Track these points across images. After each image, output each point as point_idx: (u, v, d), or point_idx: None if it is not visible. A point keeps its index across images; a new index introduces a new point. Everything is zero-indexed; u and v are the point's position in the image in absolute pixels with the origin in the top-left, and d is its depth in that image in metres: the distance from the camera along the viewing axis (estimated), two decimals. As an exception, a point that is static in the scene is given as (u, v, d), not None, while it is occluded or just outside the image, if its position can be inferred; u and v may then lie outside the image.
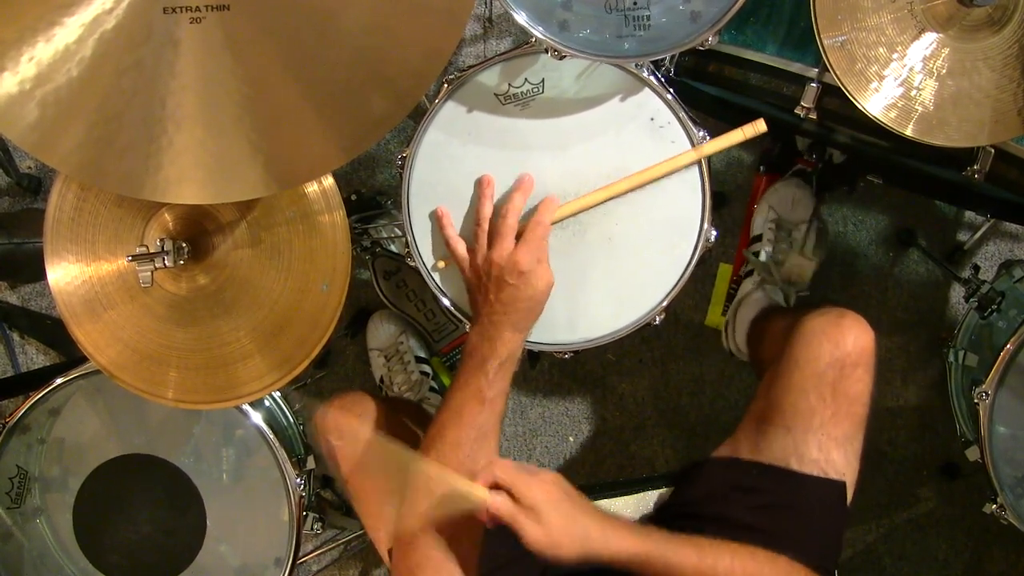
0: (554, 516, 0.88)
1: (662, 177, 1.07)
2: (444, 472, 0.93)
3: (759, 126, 1.05)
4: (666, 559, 0.91)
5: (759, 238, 1.64)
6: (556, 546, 0.88)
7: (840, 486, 1.09)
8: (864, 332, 1.12)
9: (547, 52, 1.01)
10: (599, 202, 1.08)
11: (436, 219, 1.09)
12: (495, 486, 0.91)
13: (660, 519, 1.21)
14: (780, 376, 1.14)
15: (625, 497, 1.25)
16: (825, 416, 1.09)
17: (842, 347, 1.10)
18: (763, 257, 1.62)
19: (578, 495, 0.93)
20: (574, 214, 1.08)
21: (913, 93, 1.00)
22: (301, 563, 1.79)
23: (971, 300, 1.50)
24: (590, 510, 0.92)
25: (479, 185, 1.08)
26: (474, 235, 1.06)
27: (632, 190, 1.07)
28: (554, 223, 1.07)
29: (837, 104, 1.10)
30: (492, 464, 0.90)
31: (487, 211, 1.06)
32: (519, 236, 1.04)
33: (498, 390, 1.01)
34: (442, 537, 0.97)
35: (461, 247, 1.07)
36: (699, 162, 1.08)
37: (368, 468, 1.19)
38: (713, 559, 0.93)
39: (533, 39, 1.01)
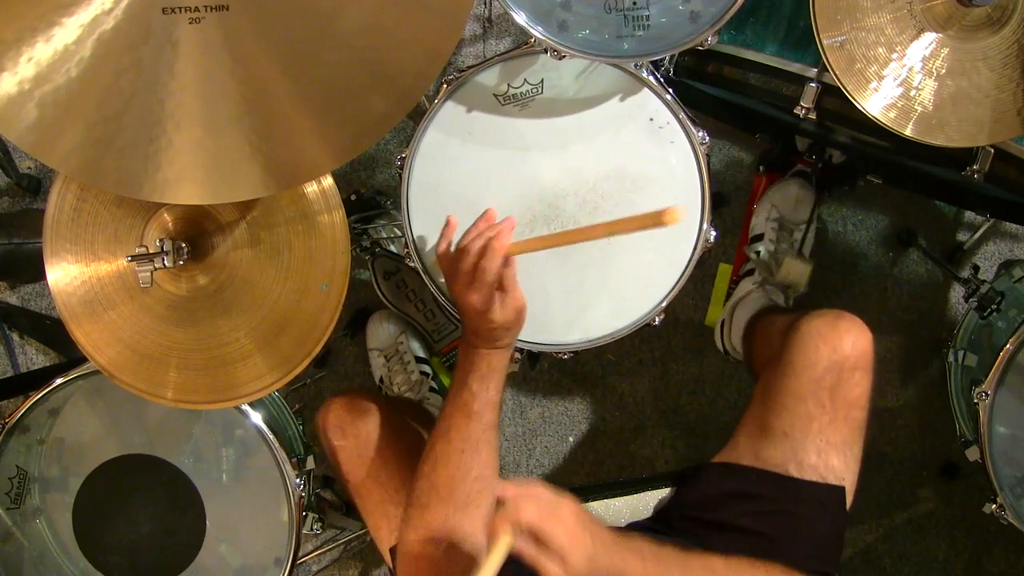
0: (577, 558, 0.85)
1: (625, 231, 0.92)
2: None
3: (676, 213, 0.82)
4: None
5: (760, 237, 1.64)
6: None
7: (839, 492, 1.09)
8: (862, 334, 1.11)
9: (546, 52, 1.01)
10: (557, 244, 1.02)
11: (444, 227, 1.08)
12: (515, 525, 0.86)
13: (659, 523, 1.20)
14: (777, 381, 1.14)
15: (625, 497, 1.25)
16: (824, 422, 1.09)
17: (840, 351, 1.09)
18: (764, 255, 1.62)
19: (597, 527, 0.90)
20: (534, 250, 1.00)
21: (912, 93, 1.00)
22: (301, 563, 1.79)
23: (971, 300, 1.50)
24: (610, 543, 0.90)
25: (444, 224, 1.06)
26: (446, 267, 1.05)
27: (597, 238, 0.96)
28: (517, 253, 0.99)
29: (837, 104, 1.10)
30: (515, 503, 0.85)
31: (440, 248, 1.05)
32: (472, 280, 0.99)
33: (484, 401, 1.01)
34: (445, 546, 0.97)
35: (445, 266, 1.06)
36: (697, 163, 1.08)
37: (368, 467, 1.20)
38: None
39: (532, 39, 1.01)
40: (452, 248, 1.02)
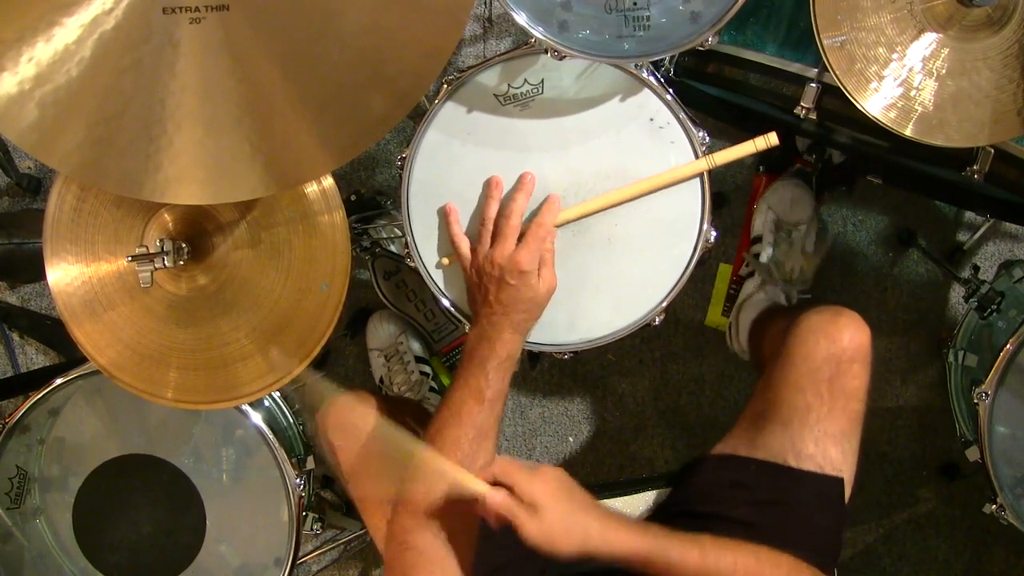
0: (553, 512, 0.87)
1: (671, 184, 1.07)
2: (445, 462, 0.93)
3: (771, 139, 1.04)
4: (668, 557, 0.91)
5: (759, 239, 1.64)
6: (554, 542, 0.88)
7: (838, 482, 1.09)
8: (860, 329, 1.12)
9: (547, 52, 1.01)
10: (605, 207, 1.08)
11: (443, 216, 1.10)
12: (495, 483, 0.91)
13: (658, 517, 1.21)
14: (777, 373, 1.15)
15: (625, 497, 1.25)
16: (822, 412, 1.10)
17: (838, 343, 1.10)
18: (764, 259, 1.62)
19: (580, 491, 0.93)
20: (579, 217, 1.08)
21: (913, 93, 1.00)
22: (301, 563, 1.79)
23: (971, 300, 1.50)
24: (591, 507, 0.92)
25: (486, 186, 1.08)
26: (478, 234, 1.06)
27: (641, 196, 1.08)
28: (558, 226, 1.07)
29: (837, 104, 1.09)
30: (492, 461, 0.91)
31: (492, 211, 1.06)
32: (522, 236, 1.04)
33: (497, 390, 1.01)
34: (438, 536, 0.97)
35: (465, 245, 1.07)
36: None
37: (369, 467, 1.19)
38: (715, 558, 0.92)
39: (533, 39, 1.01)
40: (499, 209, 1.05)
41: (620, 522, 0.93)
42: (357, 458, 1.20)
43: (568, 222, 1.08)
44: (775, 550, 0.95)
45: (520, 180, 1.07)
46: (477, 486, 0.90)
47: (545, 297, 1.04)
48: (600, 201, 1.08)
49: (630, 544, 0.91)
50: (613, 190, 1.08)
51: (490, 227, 1.06)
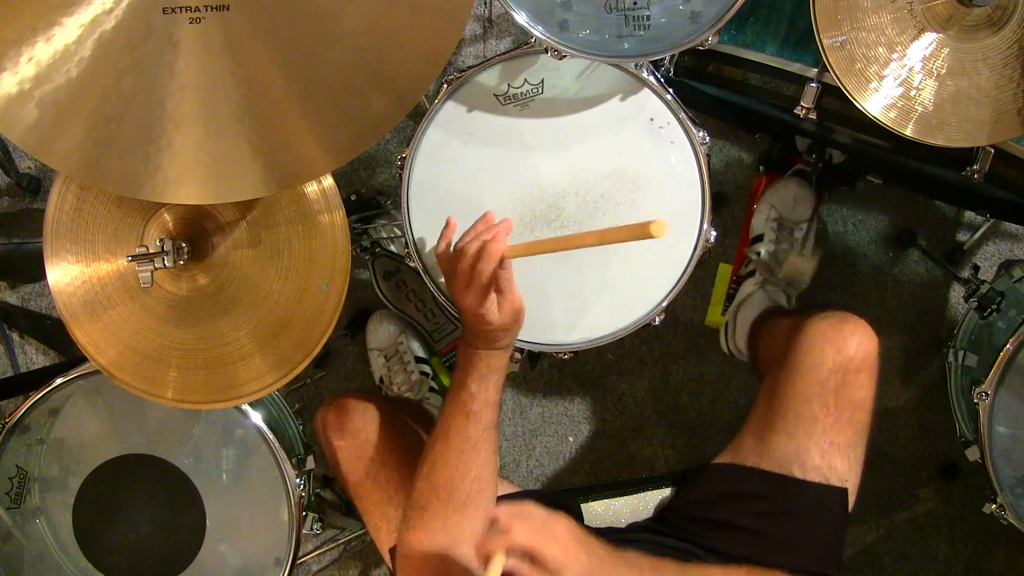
0: (573, 574, 0.84)
1: (617, 242, 0.93)
2: None
3: (660, 229, 0.86)
4: None
5: (760, 238, 1.64)
6: None
7: (842, 493, 1.09)
8: (867, 337, 1.11)
9: (547, 52, 1.01)
10: (550, 250, 0.99)
11: (444, 228, 1.08)
12: (510, 546, 0.85)
13: (661, 524, 1.20)
14: (782, 382, 1.14)
15: (625, 497, 1.24)
16: (828, 423, 1.09)
17: (845, 353, 1.09)
18: (764, 257, 1.62)
19: (593, 542, 0.90)
20: (529, 255, 0.99)
21: (913, 93, 1.00)
22: (301, 563, 1.79)
23: (971, 300, 1.50)
24: (606, 558, 0.89)
25: (444, 225, 1.05)
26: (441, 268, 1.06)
27: (592, 245, 0.95)
28: (513, 257, 0.99)
29: (837, 104, 1.10)
30: (507, 527, 0.83)
31: (440, 248, 1.05)
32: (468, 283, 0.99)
33: (483, 402, 1.01)
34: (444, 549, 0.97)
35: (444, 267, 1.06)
36: (697, 163, 1.08)
37: (369, 468, 1.20)
38: None
39: (533, 39, 1.01)
40: (451, 249, 1.03)
41: (635, 567, 0.91)
42: (357, 458, 1.20)
43: (521, 256, 0.99)
44: (785, 574, 0.95)
45: (479, 219, 1.04)
46: (495, 569, 0.83)
47: (509, 322, 1.00)
48: (550, 244, 1.00)
49: None
50: (561, 236, 1.06)
51: (444, 265, 1.04)
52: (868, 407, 1.11)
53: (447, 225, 1.06)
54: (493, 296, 0.98)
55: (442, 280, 1.13)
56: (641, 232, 0.86)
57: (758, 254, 1.63)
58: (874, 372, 1.11)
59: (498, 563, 0.82)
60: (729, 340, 1.66)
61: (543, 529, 0.85)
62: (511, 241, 0.99)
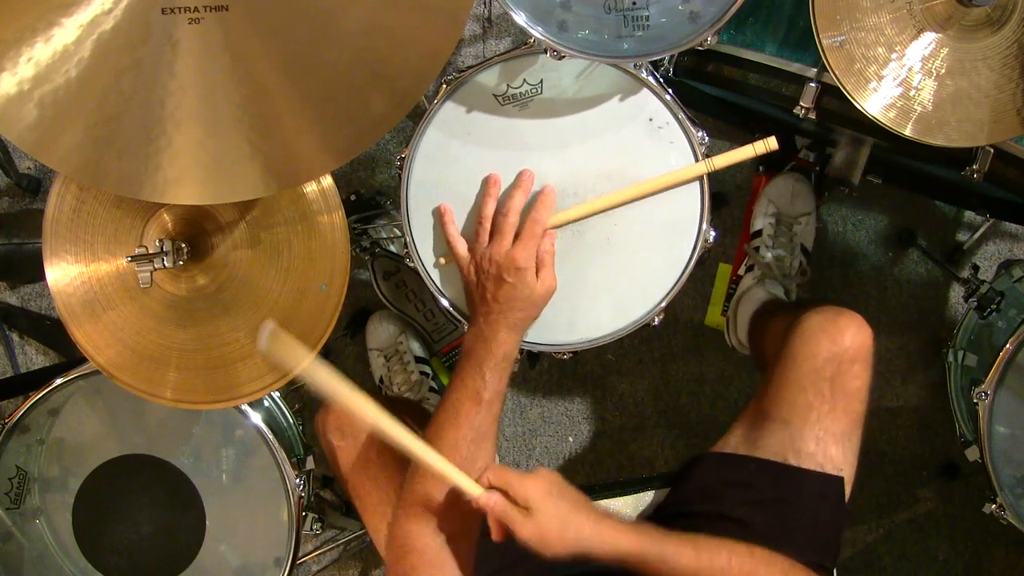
0: (547, 513, 0.88)
1: (670, 187, 1.07)
2: (442, 463, 0.93)
3: (771, 143, 1.04)
4: (662, 557, 0.91)
5: (759, 233, 1.64)
6: (547, 542, 0.88)
7: (838, 481, 1.09)
8: (862, 329, 1.12)
9: (546, 52, 1.01)
10: (603, 208, 1.08)
11: (438, 216, 1.10)
12: (489, 487, 0.91)
13: (658, 517, 1.21)
14: (778, 372, 1.15)
15: (625, 497, 1.25)
16: (823, 411, 1.10)
17: (840, 343, 1.10)
18: (763, 252, 1.62)
19: (574, 492, 0.93)
20: (578, 219, 1.08)
21: (912, 93, 1.00)
22: (301, 563, 1.79)
23: (971, 300, 1.50)
24: (585, 508, 0.92)
25: (484, 184, 1.08)
26: (475, 233, 1.06)
27: (639, 198, 1.08)
28: (558, 227, 1.07)
29: (836, 104, 1.10)
30: (486, 469, 0.91)
31: (489, 209, 1.06)
32: (519, 234, 1.04)
33: (494, 391, 1.01)
34: (438, 539, 0.97)
35: (461, 245, 1.07)
36: (697, 163, 1.08)
37: (369, 467, 1.19)
38: (709, 556, 0.92)
39: (532, 39, 1.01)
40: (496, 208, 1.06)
41: (614, 521, 0.93)
42: (357, 458, 1.20)
43: (567, 223, 1.08)
44: (770, 550, 0.95)
45: (519, 177, 1.07)
46: (472, 488, 0.91)
47: (543, 297, 1.03)
48: (598, 203, 1.07)
49: (624, 543, 0.91)
50: (611, 192, 1.08)
51: (487, 225, 1.05)
52: (863, 398, 1.12)
53: (492, 183, 1.07)
54: (534, 265, 1.02)
55: (441, 280, 1.13)
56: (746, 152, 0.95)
57: (757, 249, 1.63)
58: (869, 364, 1.12)
59: (473, 485, 0.91)
60: (731, 334, 1.67)
61: (524, 473, 0.91)
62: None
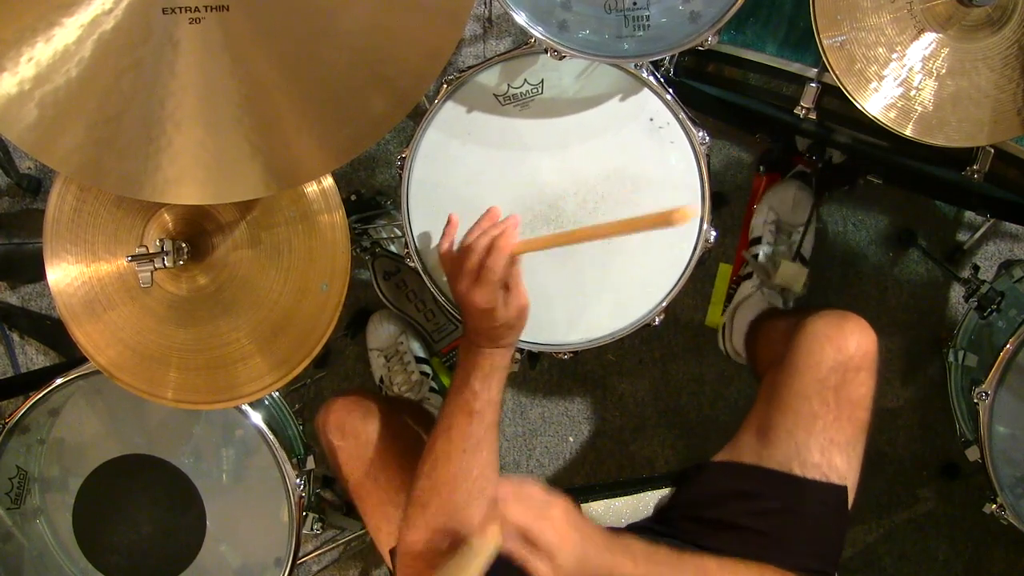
0: (566, 558, 0.86)
1: (633, 232, 0.91)
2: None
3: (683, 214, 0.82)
4: None
5: (758, 240, 1.64)
6: None
7: (842, 491, 1.09)
8: (866, 335, 1.11)
9: (546, 52, 1.01)
10: (570, 242, 1.00)
11: (445, 225, 1.07)
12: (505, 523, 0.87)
13: (660, 523, 1.20)
14: (782, 380, 1.14)
15: (625, 497, 1.25)
16: (827, 421, 1.09)
17: (844, 351, 1.10)
18: (761, 258, 1.62)
19: (588, 527, 0.91)
20: (542, 248, 0.99)
21: (912, 93, 1.00)
22: (301, 563, 1.79)
23: (971, 300, 1.50)
24: (600, 543, 0.91)
25: (446, 223, 1.05)
26: (443, 266, 1.05)
27: (607, 236, 0.97)
28: (520, 253, 0.98)
29: (837, 104, 1.10)
30: (504, 504, 0.86)
31: (443, 247, 1.04)
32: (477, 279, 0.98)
33: (485, 401, 1.00)
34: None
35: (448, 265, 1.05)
36: (697, 163, 1.08)
37: (369, 468, 1.19)
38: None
39: (532, 39, 1.01)
40: (455, 247, 1.02)
41: (629, 552, 0.92)
42: (357, 458, 1.20)
43: (527, 251, 0.98)
44: (779, 569, 0.95)
45: (483, 216, 1.03)
46: (490, 543, 0.86)
47: (517, 318, 0.99)
48: (565, 236, 1.00)
49: (640, 573, 0.90)
50: (575, 229, 1.02)
51: (447, 264, 1.03)
52: (867, 405, 1.11)
53: (449, 222, 1.05)
54: (500, 293, 0.97)
55: (443, 280, 1.13)
56: (662, 220, 0.80)
57: (755, 257, 1.63)
58: (873, 370, 1.11)
59: (492, 541, 0.85)
60: (726, 341, 1.66)
61: (540, 511, 0.87)
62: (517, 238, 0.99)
